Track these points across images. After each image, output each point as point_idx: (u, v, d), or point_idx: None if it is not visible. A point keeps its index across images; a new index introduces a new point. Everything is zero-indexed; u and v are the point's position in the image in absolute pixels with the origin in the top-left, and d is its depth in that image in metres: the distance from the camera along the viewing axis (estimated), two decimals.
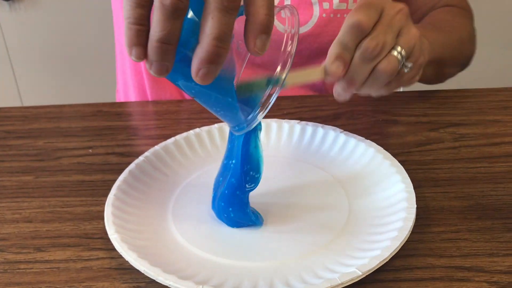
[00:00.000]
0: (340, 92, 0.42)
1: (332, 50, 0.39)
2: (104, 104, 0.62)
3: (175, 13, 0.26)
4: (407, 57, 0.41)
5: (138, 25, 0.27)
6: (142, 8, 0.27)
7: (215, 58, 0.27)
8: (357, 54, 0.39)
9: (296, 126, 0.50)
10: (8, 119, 0.59)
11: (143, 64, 0.63)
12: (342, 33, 0.39)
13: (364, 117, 0.55)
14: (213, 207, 0.40)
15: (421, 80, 0.59)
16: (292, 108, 0.58)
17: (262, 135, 0.50)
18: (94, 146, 0.52)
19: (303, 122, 0.50)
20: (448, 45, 0.57)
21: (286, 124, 0.51)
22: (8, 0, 1.45)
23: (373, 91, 0.43)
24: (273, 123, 0.51)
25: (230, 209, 0.38)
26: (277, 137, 0.50)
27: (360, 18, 0.39)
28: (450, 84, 0.65)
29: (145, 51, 0.28)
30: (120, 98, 0.73)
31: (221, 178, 0.39)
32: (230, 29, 0.27)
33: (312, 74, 0.40)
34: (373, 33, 0.39)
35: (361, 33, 0.39)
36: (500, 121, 0.54)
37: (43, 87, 1.54)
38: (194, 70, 0.28)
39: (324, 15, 0.60)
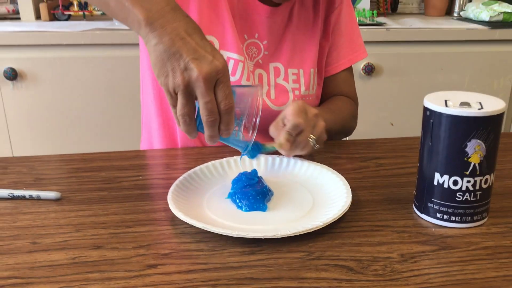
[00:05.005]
0: (285, 154, 0.77)
1: (284, 136, 0.73)
2: (139, 151, 0.88)
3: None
4: (317, 139, 0.77)
5: (188, 118, 0.61)
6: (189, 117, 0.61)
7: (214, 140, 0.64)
8: (298, 141, 0.74)
9: (276, 158, 0.78)
10: (72, 161, 0.84)
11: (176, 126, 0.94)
12: (290, 127, 0.73)
13: (318, 155, 0.84)
14: (233, 199, 0.67)
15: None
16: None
17: (262, 163, 0.78)
18: (142, 175, 0.78)
19: (281, 156, 0.79)
20: (335, 123, 0.91)
21: (270, 157, 0.79)
22: (12, 80, 1.69)
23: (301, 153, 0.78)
24: (261, 157, 0.79)
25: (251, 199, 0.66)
26: (265, 164, 0.78)
27: (300, 121, 0.73)
28: (378, 134, 0.95)
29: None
30: (144, 147, 0.99)
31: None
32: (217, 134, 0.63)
33: (275, 146, 0.75)
34: (303, 131, 0.74)
35: (299, 129, 0.73)
36: (404, 156, 0.84)
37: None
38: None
39: (296, 98, 0.91)
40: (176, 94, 0.60)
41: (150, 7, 0.59)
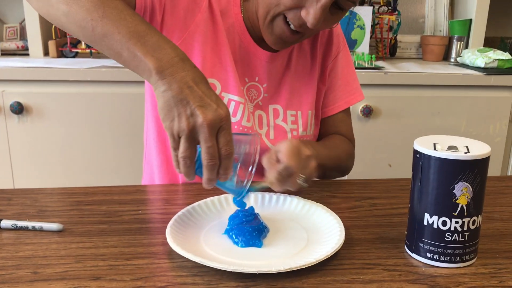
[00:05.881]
0: (275, 188, 0.79)
1: (275, 176, 0.76)
2: (140, 186, 0.90)
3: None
4: (306, 179, 0.80)
5: (189, 161, 0.64)
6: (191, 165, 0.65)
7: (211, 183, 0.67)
8: (288, 180, 0.78)
9: (273, 196, 0.81)
10: (74, 195, 0.87)
11: None
12: (282, 169, 0.76)
13: (314, 193, 0.86)
14: (230, 235, 0.69)
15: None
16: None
17: (259, 201, 0.80)
18: (142, 209, 0.80)
19: (278, 194, 0.81)
20: (330, 159, 0.94)
21: (267, 195, 0.81)
22: (18, 114, 1.73)
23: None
24: (259, 194, 0.81)
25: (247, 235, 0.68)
26: (262, 201, 0.80)
27: (292, 164, 0.77)
28: (375, 174, 0.98)
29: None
30: (145, 184, 1.02)
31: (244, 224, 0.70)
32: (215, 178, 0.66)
33: (266, 183, 0.78)
34: (293, 172, 0.77)
35: (290, 171, 0.77)
36: (398, 196, 0.86)
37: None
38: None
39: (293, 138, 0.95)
40: (179, 138, 0.63)
41: (161, 57, 0.63)
